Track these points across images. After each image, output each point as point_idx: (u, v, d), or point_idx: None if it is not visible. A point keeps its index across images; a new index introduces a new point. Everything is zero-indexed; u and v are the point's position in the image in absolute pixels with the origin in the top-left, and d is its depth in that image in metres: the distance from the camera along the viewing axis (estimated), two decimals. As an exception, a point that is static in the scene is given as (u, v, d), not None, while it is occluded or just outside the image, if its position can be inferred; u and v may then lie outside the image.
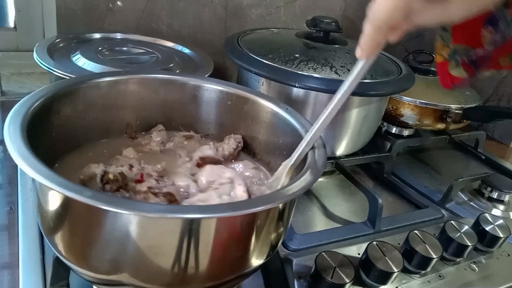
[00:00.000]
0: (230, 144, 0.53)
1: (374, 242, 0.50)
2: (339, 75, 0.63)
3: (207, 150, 0.52)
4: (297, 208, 0.63)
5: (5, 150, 0.34)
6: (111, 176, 0.43)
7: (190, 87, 0.56)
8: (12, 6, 0.82)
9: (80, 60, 0.68)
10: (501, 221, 0.60)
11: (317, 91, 0.63)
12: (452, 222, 0.57)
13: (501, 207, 0.70)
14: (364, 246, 0.50)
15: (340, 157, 0.72)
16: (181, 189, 0.45)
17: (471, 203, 0.71)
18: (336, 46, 0.71)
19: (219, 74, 0.72)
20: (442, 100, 0.83)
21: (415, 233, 0.53)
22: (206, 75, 0.70)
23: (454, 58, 0.52)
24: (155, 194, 0.43)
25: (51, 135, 0.45)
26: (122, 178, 0.44)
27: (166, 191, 0.43)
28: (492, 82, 1.03)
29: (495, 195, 0.71)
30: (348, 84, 0.41)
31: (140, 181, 0.45)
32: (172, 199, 0.43)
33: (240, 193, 0.44)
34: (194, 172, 0.49)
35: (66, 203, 0.34)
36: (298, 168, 0.41)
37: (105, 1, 0.84)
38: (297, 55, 0.66)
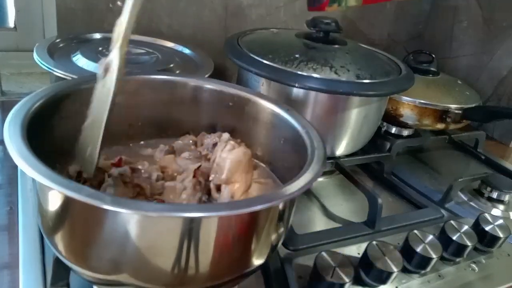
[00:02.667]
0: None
1: (374, 242, 0.50)
2: (339, 75, 0.63)
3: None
4: (297, 208, 0.63)
5: (5, 150, 0.34)
6: (85, 174, 0.43)
7: (190, 87, 0.56)
8: (12, 6, 0.82)
9: (80, 60, 0.68)
10: (501, 221, 0.60)
11: (317, 91, 0.63)
12: (452, 222, 0.57)
13: (501, 207, 0.70)
14: (363, 246, 0.50)
15: (340, 157, 0.72)
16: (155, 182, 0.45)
17: (471, 203, 0.71)
18: (336, 46, 0.71)
19: (219, 74, 0.72)
20: (442, 100, 0.83)
21: (415, 233, 0.53)
22: (206, 76, 0.70)
23: None
24: (125, 183, 0.42)
25: (52, 136, 0.45)
26: (99, 171, 0.44)
27: (136, 182, 0.42)
28: (492, 82, 1.03)
29: (495, 195, 0.71)
30: None
31: (116, 165, 0.44)
32: (141, 192, 0.43)
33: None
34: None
35: (66, 202, 0.34)
36: (299, 168, 0.41)
37: (105, 1, 0.84)
38: (297, 55, 0.66)
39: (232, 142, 0.49)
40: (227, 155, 0.46)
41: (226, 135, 0.52)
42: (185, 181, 0.45)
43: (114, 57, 0.42)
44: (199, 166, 0.47)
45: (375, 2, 0.48)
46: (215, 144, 0.52)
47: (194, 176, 0.46)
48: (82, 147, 0.43)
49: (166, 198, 0.44)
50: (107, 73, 0.42)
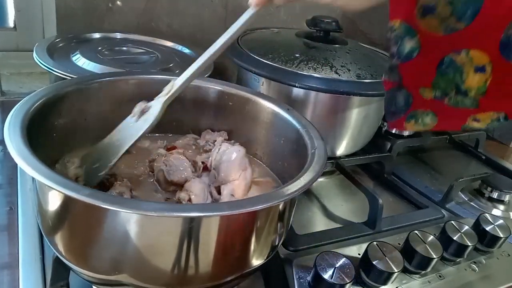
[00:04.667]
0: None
1: (375, 242, 0.50)
2: (339, 75, 0.63)
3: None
4: (297, 208, 0.63)
5: (5, 150, 0.34)
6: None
7: (191, 87, 0.55)
8: (12, 6, 0.82)
9: (80, 60, 0.67)
10: (501, 221, 0.59)
11: (317, 91, 0.63)
12: (452, 222, 0.57)
13: (501, 207, 0.70)
14: (364, 246, 0.50)
15: (340, 157, 0.72)
16: None
17: (471, 203, 0.71)
18: (336, 45, 0.71)
19: (219, 74, 0.72)
20: (442, 100, 0.83)
21: (415, 233, 0.53)
22: (206, 75, 0.69)
23: None
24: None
25: (52, 135, 0.45)
26: None
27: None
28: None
29: (495, 195, 0.71)
30: (234, 29, 0.48)
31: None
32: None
33: None
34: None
35: (66, 202, 0.34)
36: (299, 168, 0.41)
37: (105, 1, 0.84)
38: (297, 55, 0.66)
39: (226, 144, 0.49)
40: (221, 157, 0.46)
41: (219, 139, 0.53)
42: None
43: (156, 106, 0.45)
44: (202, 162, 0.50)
45: (447, 128, 0.50)
46: (215, 141, 0.53)
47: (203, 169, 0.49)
48: (91, 159, 0.45)
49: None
50: (142, 114, 0.46)
